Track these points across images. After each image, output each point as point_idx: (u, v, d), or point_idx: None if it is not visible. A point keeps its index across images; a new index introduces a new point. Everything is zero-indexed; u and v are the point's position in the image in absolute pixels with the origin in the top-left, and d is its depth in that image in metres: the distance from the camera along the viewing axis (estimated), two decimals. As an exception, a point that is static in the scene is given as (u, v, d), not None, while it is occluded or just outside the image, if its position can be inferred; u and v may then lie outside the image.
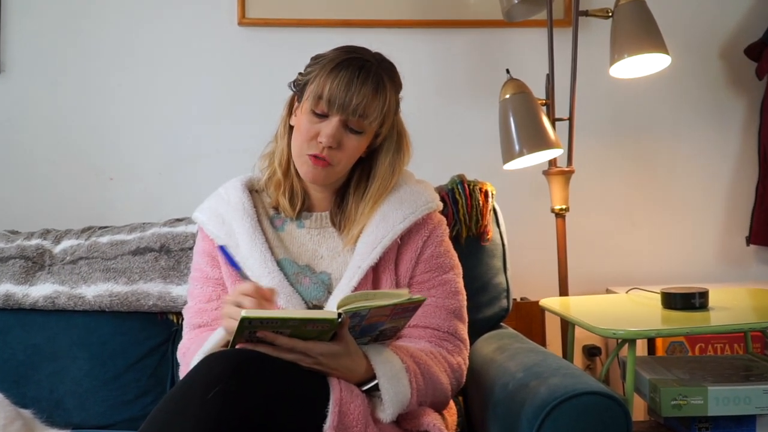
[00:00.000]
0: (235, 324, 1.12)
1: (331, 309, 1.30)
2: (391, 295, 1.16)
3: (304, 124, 1.33)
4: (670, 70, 1.99)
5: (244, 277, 1.25)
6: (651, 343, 2.03)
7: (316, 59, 1.36)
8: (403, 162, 1.41)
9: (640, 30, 1.86)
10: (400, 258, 1.38)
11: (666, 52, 1.87)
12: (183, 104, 2.20)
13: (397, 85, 1.38)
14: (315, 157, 1.32)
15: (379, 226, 1.36)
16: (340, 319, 1.11)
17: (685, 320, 1.51)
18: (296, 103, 1.39)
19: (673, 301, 1.61)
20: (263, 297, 1.19)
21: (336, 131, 1.31)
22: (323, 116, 1.31)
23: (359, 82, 1.29)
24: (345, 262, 1.37)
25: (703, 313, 1.56)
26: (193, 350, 1.33)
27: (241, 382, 1.06)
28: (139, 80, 2.19)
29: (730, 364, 1.69)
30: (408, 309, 1.18)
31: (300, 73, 1.39)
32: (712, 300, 1.62)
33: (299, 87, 1.37)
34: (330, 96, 1.29)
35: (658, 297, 1.66)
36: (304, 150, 1.33)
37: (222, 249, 1.28)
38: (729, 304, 1.64)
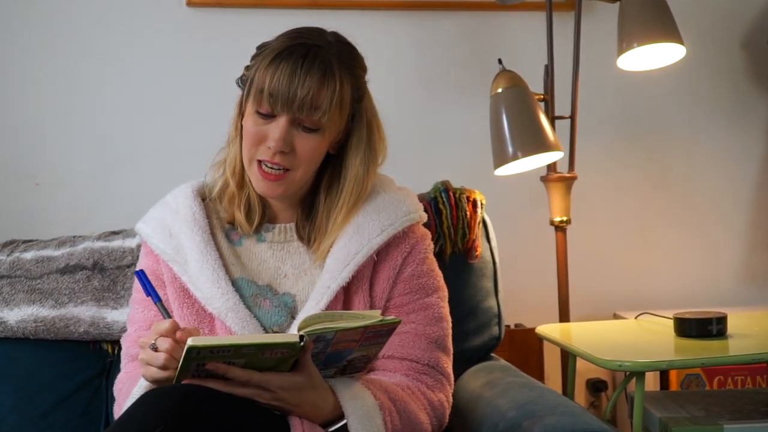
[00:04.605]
0: (156, 372, 1.14)
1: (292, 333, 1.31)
2: (361, 316, 1.17)
3: (250, 127, 1.34)
4: (686, 62, 2.03)
5: (163, 310, 1.25)
6: (664, 376, 2.06)
7: (261, 49, 1.37)
8: (376, 159, 1.42)
9: (651, 16, 1.90)
10: (375, 277, 1.39)
11: (680, 41, 1.91)
12: (121, 97, 2.20)
13: (354, 70, 1.38)
14: (264, 170, 1.33)
15: (353, 239, 1.36)
16: (302, 343, 1.12)
17: (700, 350, 1.55)
18: (245, 101, 1.40)
19: (688, 327, 1.64)
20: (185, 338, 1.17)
21: (284, 133, 1.31)
22: (269, 116, 1.32)
23: (303, 72, 1.29)
24: (312, 281, 1.39)
25: (721, 342, 1.60)
26: (125, 390, 1.34)
27: (185, 423, 1.06)
28: (69, 69, 2.18)
29: (751, 398, 1.73)
30: (381, 333, 1.20)
31: (246, 67, 1.40)
32: (732, 326, 1.66)
33: (244, 83, 1.38)
34: (271, 91, 1.29)
35: (671, 323, 1.69)
36: (254, 155, 1.34)
37: (139, 274, 1.28)
38: (750, 331, 1.68)
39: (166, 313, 1.25)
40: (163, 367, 1.15)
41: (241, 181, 1.42)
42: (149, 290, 1.27)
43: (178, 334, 1.17)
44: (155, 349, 1.16)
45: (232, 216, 1.44)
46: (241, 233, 1.45)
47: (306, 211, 1.44)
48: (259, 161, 1.34)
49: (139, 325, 1.42)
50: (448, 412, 1.38)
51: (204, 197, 1.47)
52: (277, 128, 1.31)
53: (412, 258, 1.41)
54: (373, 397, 1.24)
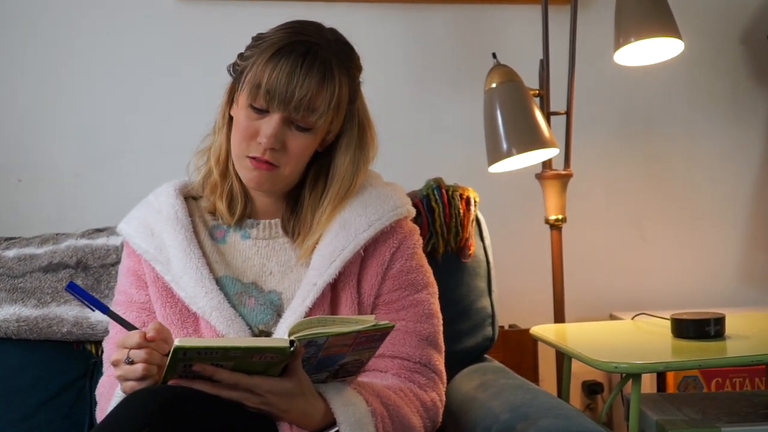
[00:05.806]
0: (137, 385, 1.14)
1: (281, 335, 1.31)
2: (353, 320, 1.18)
3: (242, 121, 1.34)
4: (684, 58, 2.03)
5: (113, 317, 1.24)
6: (661, 378, 2.07)
7: (258, 40, 1.37)
8: (367, 159, 1.42)
9: (649, 10, 1.90)
10: (363, 273, 1.39)
11: (679, 36, 1.91)
12: (107, 91, 2.19)
13: (352, 71, 1.39)
14: (255, 159, 1.33)
15: (339, 235, 1.37)
16: (292, 348, 1.12)
17: (698, 351, 1.55)
18: (237, 91, 1.39)
19: (685, 328, 1.65)
20: (159, 339, 1.16)
21: (277, 131, 1.31)
22: (263, 111, 1.33)
23: (303, 72, 1.29)
24: (298, 278, 1.39)
25: (719, 343, 1.61)
26: (107, 393, 1.34)
27: (170, 424, 1.06)
28: (53, 62, 2.18)
29: (749, 401, 1.74)
30: (374, 338, 1.20)
31: (239, 55, 1.39)
32: (730, 327, 1.66)
33: (237, 73, 1.38)
34: (269, 88, 1.30)
35: (668, 324, 1.70)
36: (244, 151, 1.34)
37: (71, 287, 1.21)
38: (749, 332, 1.69)
39: (122, 320, 1.24)
40: (142, 378, 1.14)
41: (225, 170, 1.42)
42: (91, 301, 1.22)
43: (149, 335, 1.15)
44: (131, 362, 1.14)
45: (214, 205, 1.44)
46: (226, 228, 1.44)
47: (291, 206, 1.44)
48: (248, 157, 1.34)
49: (120, 328, 1.41)
50: (441, 410, 1.39)
51: (186, 196, 1.47)
52: (269, 125, 1.31)
53: (400, 253, 1.41)
54: (366, 403, 1.24)
